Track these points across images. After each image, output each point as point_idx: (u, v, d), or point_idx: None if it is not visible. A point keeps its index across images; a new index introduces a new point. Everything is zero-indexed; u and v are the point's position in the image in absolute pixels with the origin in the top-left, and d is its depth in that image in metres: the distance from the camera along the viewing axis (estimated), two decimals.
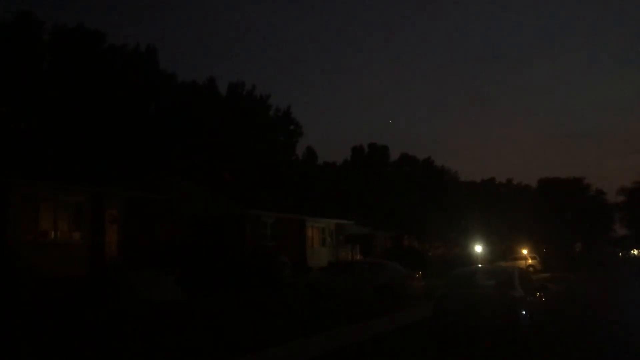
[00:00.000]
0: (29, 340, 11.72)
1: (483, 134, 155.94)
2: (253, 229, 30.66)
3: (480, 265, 26.80)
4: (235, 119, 50.04)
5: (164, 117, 44.72)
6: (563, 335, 13.15)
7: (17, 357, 10.45)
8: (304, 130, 58.75)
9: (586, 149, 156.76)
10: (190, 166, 41.42)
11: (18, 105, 38.55)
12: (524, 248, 54.42)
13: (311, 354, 11.11)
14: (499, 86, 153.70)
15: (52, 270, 19.12)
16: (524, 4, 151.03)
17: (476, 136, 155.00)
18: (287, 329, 13.44)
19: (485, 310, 11.59)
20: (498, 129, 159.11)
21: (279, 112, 56.17)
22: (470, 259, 41.63)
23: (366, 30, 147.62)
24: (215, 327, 13.93)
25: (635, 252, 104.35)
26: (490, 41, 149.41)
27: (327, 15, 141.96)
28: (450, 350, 11.25)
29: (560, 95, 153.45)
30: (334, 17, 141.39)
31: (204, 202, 29.83)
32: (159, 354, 10.74)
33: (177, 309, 17.59)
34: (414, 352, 11.66)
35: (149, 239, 24.27)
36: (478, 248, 43.26)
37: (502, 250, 57.71)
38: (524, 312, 11.68)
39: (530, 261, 49.60)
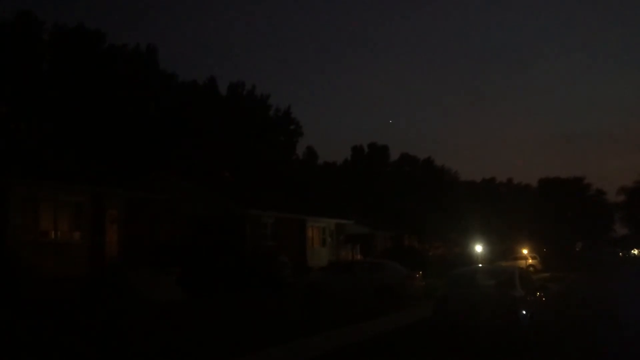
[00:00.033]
0: (29, 340, 11.72)
1: (483, 133, 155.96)
2: (253, 229, 30.65)
3: (480, 265, 26.78)
4: (235, 118, 50.07)
5: (164, 117, 44.74)
6: (563, 335, 13.13)
7: (18, 357, 10.44)
8: (304, 130, 58.89)
9: (586, 149, 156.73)
10: (190, 166, 41.42)
11: (18, 105, 38.57)
12: (524, 248, 54.41)
13: (311, 354, 11.10)
14: (499, 86, 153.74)
15: (52, 270, 19.11)
16: (524, 4, 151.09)
17: (476, 136, 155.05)
18: (287, 329, 13.44)
19: (486, 310, 11.58)
20: (498, 128, 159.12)
21: (279, 112, 56.23)
22: (470, 258, 41.61)
23: (366, 30, 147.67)
24: (215, 327, 13.94)
25: (636, 251, 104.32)
26: (490, 41, 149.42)
27: (327, 15, 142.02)
28: (451, 350, 11.24)
29: (560, 95, 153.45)
30: (334, 17, 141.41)
31: (204, 202, 29.82)
32: (159, 354, 10.74)
33: (177, 309, 17.59)
34: (414, 352, 11.64)
35: (149, 239, 24.26)
36: (478, 248, 43.24)
37: (502, 250, 57.69)
38: (524, 312, 11.67)
39: (530, 261, 49.57)
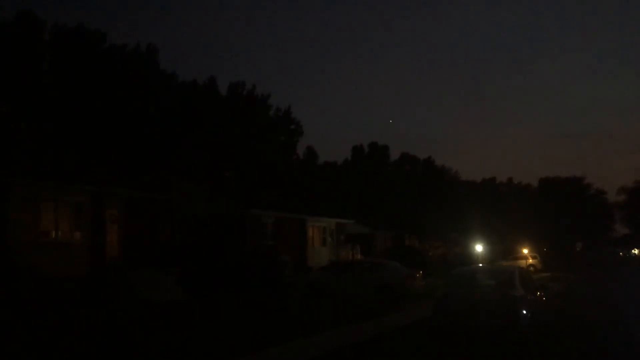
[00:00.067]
0: (29, 340, 11.72)
1: (483, 133, 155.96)
2: (253, 228, 30.65)
3: (480, 265, 26.81)
4: (235, 118, 50.06)
5: (164, 117, 44.74)
6: (564, 335, 13.13)
7: (18, 357, 10.44)
8: (305, 129, 58.76)
9: (586, 149, 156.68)
10: (191, 166, 41.44)
11: (18, 105, 38.57)
12: (524, 247, 54.39)
13: (311, 354, 11.10)
14: (499, 86, 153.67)
15: (53, 270, 19.10)
16: (524, 4, 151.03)
17: (476, 136, 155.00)
18: (287, 329, 13.43)
19: (486, 309, 11.58)
20: (498, 128, 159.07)
21: (280, 111, 56.20)
22: (470, 258, 41.61)
23: (367, 30, 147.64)
24: (215, 327, 13.93)
25: (636, 251, 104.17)
26: (490, 41, 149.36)
27: (327, 15, 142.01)
28: (451, 350, 11.23)
29: (560, 95, 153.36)
30: (334, 17, 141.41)
31: (204, 202, 29.81)
32: (159, 354, 10.73)
33: (177, 309, 17.58)
34: (414, 352, 11.64)
35: (149, 239, 24.26)
36: (478, 247, 43.25)
37: (502, 249, 57.69)
38: (524, 312, 11.66)
39: (530, 261, 49.56)
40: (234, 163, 45.24)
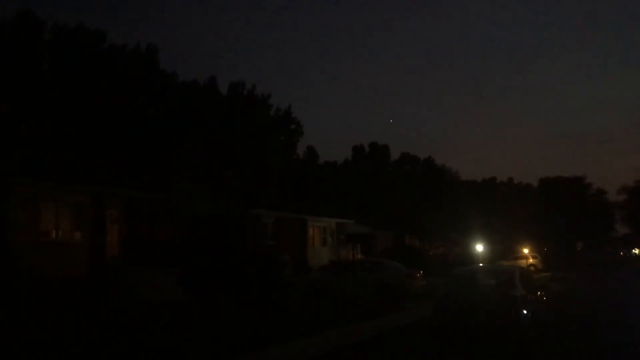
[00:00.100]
0: (29, 340, 11.71)
1: (484, 133, 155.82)
2: (254, 228, 30.63)
3: (481, 265, 26.79)
4: (236, 118, 50.03)
5: (164, 116, 44.72)
6: (564, 335, 13.11)
7: (18, 357, 10.43)
8: (305, 129, 58.73)
9: (586, 148, 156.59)
10: (191, 166, 41.42)
11: (18, 105, 38.56)
12: (525, 247, 54.35)
13: (311, 354, 11.09)
14: (499, 86, 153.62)
15: (53, 270, 19.09)
16: (524, 4, 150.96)
17: (477, 135, 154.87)
18: (287, 329, 13.42)
19: (486, 309, 11.57)
20: (498, 128, 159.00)
21: (280, 111, 56.14)
22: (471, 258, 41.62)
23: (367, 30, 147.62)
24: (215, 327, 13.93)
25: (637, 251, 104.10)
26: (490, 41, 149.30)
27: (327, 15, 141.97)
28: (451, 350, 11.22)
29: (560, 95, 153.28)
30: (334, 16, 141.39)
31: (204, 202, 29.79)
32: (159, 354, 10.73)
33: (177, 308, 17.58)
34: (414, 352, 11.62)
35: (149, 239, 24.23)
36: (479, 247, 43.23)
37: (503, 249, 57.70)
38: (525, 312, 11.65)
39: (531, 260, 49.53)
40: (234, 163, 45.18)
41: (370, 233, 47.46)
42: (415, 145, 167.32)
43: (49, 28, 41.42)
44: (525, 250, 53.14)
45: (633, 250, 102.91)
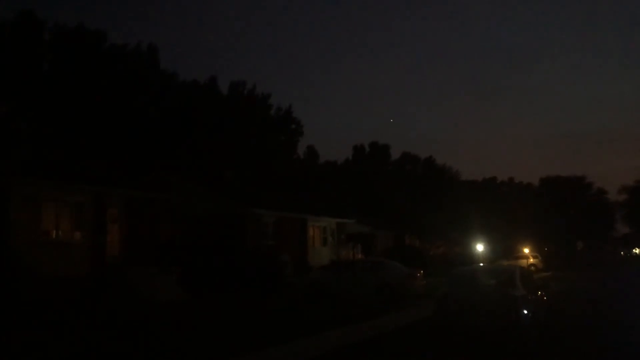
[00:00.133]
0: (29, 340, 11.71)
1: (484, 133, 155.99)
2: (254, 228, 30.62)
3: (481, 265, 26.77)
4: (236, 118, 50.00)
5: (165, 116, 44.67)
6: (564, 335, 13.10)
7: (18, 357, 10.43)
8: (305, 129, 58.69)
9: (587, 148, 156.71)
10: (191, 165, 41.39)
11: (18, 105, 38.54)
12: (525, 247, 54.34)
13: (311, 354, 11.08)
14: (500, 86, 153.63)
15: (53, 269, 19.12)
16: (524, 4, 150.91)
17: (477, 135, 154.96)
18: (287, 329, 13.42)
19: (487, 309, 11.56)
20: (499, 128, 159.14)
21: (280, 111, 56.11)
22: (471, 258, 41.60)
23: (367, 30, 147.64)
24: (215, 327, 13.93)
25: (637, 251, 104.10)
26: (491, 41, 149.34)
27: (328, 14, 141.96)
28: (452, 350, 11.21)
29: (560, 95, 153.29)
30: (334, 16, 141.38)
31: (204, 202, 29.78)
32: (159, 354, 10.72)
33: (178, 308, 17.59)
34: (415, 351, 11.61)
35: (150, 239, 24.24)
36: (479, 247, 43.22)
37: (503, 249, 57.68)
38: (525, 312, 11.64)
39: (531, 260, 49.51)
40: (234, 163, 45.16)
41: (370, 233, 47.43)
42: (416, 144, 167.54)
43: (49, 28, 41.38)
44: (526, 250, 53.13)
45: (633, 250, 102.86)
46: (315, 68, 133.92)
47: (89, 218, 21.69)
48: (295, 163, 59.64)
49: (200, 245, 26.74)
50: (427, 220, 53.93)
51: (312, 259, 34.50)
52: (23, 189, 19.31)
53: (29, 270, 18.10)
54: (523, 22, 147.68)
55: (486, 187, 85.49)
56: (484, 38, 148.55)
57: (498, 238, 56.79)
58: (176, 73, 50.05)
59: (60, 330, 12.90)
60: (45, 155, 25.64)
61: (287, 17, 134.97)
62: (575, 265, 55.29)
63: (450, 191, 66.09)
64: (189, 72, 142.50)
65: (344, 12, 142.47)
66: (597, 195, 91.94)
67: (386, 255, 35.06)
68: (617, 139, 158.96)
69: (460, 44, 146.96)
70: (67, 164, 24.64)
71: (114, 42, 44.56)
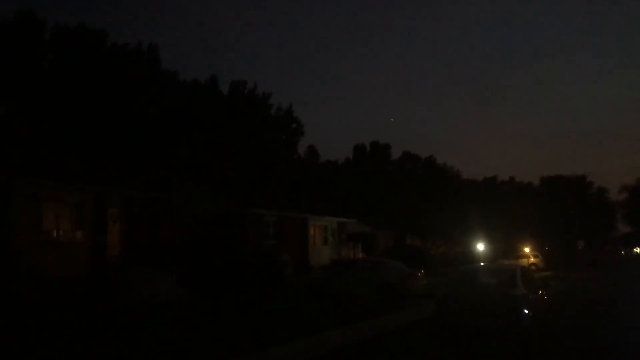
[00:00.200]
0: (30, 340, 11.71)
1: (485, 132, 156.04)
2: (255, 227, 30.63)
3: (482, 264, 26.79)
4: (237, 117, 49.98)
5: (165, 116, 44.66)
6: (565, 334, 13.08)
7: (18, 357, 10.42)
8: (306, 128, 58.87)
9: (587, 148, 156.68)
10: (191, 165, 41.40)
11: (18, 105, 38.55)
12: (526, 246, 54.32)
13: (311, 354, 11.06)
14: (500, 85, 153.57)
15: (54, 269, 19.11)
16: (524, 4, 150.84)
17: (478, 134, 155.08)
18: (287, 329, 13.40)
19: (487, 309, 11.54)
20: (499, 127, 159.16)
21: (281, 110, 56.08)
22: (472, 257, 41.62)
23: (368, 29, 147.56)
24: (215, 327, 13.91)
25: (638, 250, 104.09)
26: (491, 41, 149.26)
27: (328, 14, 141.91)
28: (452, 350, 11.19)
29: (560, 95, 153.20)
30: (335, 16, 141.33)
31: (205, 201, 29.78)
32: (159, 354, 10.71)
33: (178, 308, 17.58)
34: (415, 351, 11.59)
35: (151, 238, 24.23)
36: (480, 246, 43.22)
37: (504, 248, 57.66)
38: (526, 311, 11.61)
39: (532, 259, 49.48)
40: (235, 162, 45.18)
41: (371, 232, 47.45)
42: (417, 144, 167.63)
43: (50, 28, 41.38)
44: (527, 249, 53.11)
45: (634, 249, 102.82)
46: (316, 68, 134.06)
47: (89, 218, 21.67)
48: (295, 163, 59.63)
49: (201, 245, 26.73)
50: (427, 220, 53.92)
51: (313, 258, 34.50)
52: (23, 189, 19.29)
53: (29, 270, 18.09)
54: (523, 22, 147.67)
55: (487, 186, 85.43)
56: (484, 38, 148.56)
57: (499, 237, 56.78)
58: (177, 73, 49.99)
59: (60, 330, 12.89)
60: (45, 155, 25.62)
61: (287, 17, 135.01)
62: (576, 265, 55.24)
63: (451, 191, 66.01)
64: (189, 72, 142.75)
65: (344, 12, 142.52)
66: (598, 194, 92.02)
67: (387, 255, 35.07)
68: (617, 138, 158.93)
69: (460, 44, 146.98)
70: (68, 164, 24.63)
71: (114, 42, 44.57)
